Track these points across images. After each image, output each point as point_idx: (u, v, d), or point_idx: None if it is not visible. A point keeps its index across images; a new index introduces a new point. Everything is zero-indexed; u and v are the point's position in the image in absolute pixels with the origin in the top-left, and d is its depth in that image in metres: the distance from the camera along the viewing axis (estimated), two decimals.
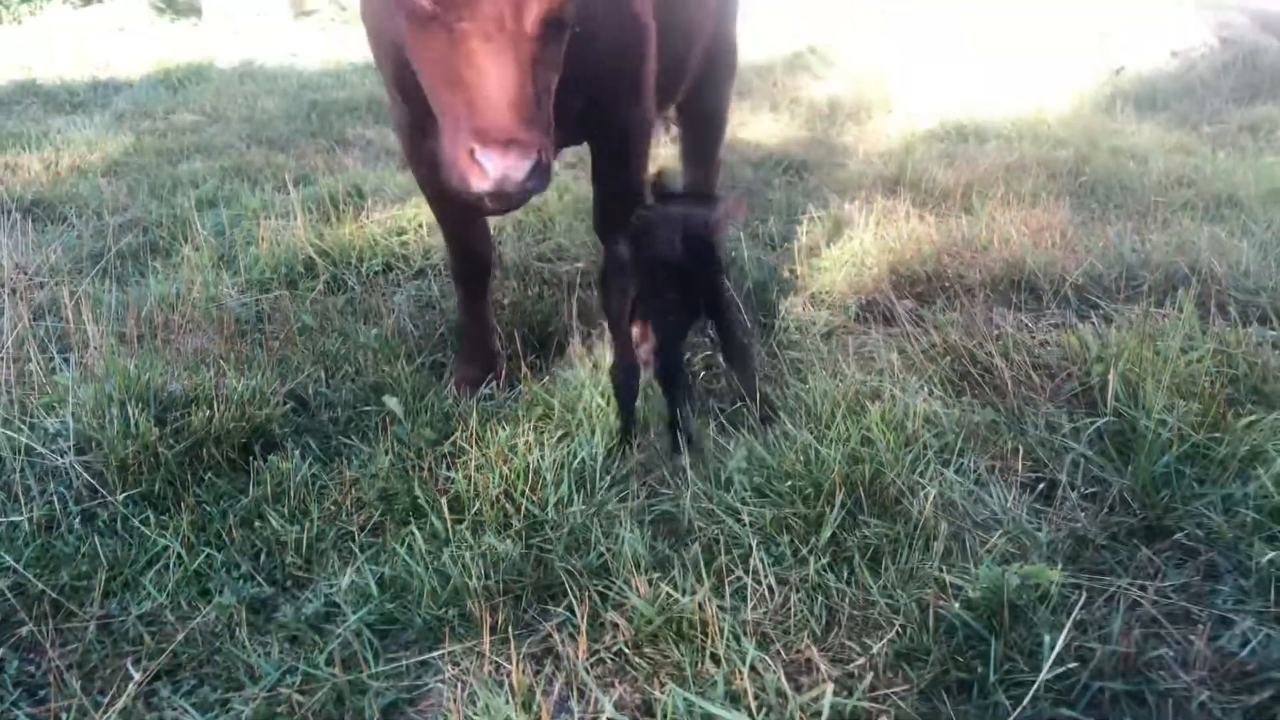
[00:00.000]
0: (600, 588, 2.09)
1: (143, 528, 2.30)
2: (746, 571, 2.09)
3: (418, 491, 2.41)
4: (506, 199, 2.06)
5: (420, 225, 4.37)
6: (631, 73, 2.78)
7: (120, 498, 2.37)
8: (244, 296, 3.69)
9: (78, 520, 2.33)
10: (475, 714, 1.76)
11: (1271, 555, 2.08)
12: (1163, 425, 2.45)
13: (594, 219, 3.09)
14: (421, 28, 2.03)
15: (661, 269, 2.54)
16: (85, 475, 2.40)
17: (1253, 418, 2.50)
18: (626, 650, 1.92)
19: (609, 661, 1.92)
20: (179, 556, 2.22)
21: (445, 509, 2.30)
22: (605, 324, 2.83)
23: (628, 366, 2.58)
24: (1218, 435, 2.44)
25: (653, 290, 2.53)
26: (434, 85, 2.11)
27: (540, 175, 1.98)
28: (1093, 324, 3.15)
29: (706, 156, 4.21)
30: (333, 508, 2.42)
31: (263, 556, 2.27)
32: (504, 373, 3.06)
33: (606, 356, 2.86)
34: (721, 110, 4.17)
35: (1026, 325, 3.25)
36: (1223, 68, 8.48)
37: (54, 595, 2.10)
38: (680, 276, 2.57)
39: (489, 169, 1.93)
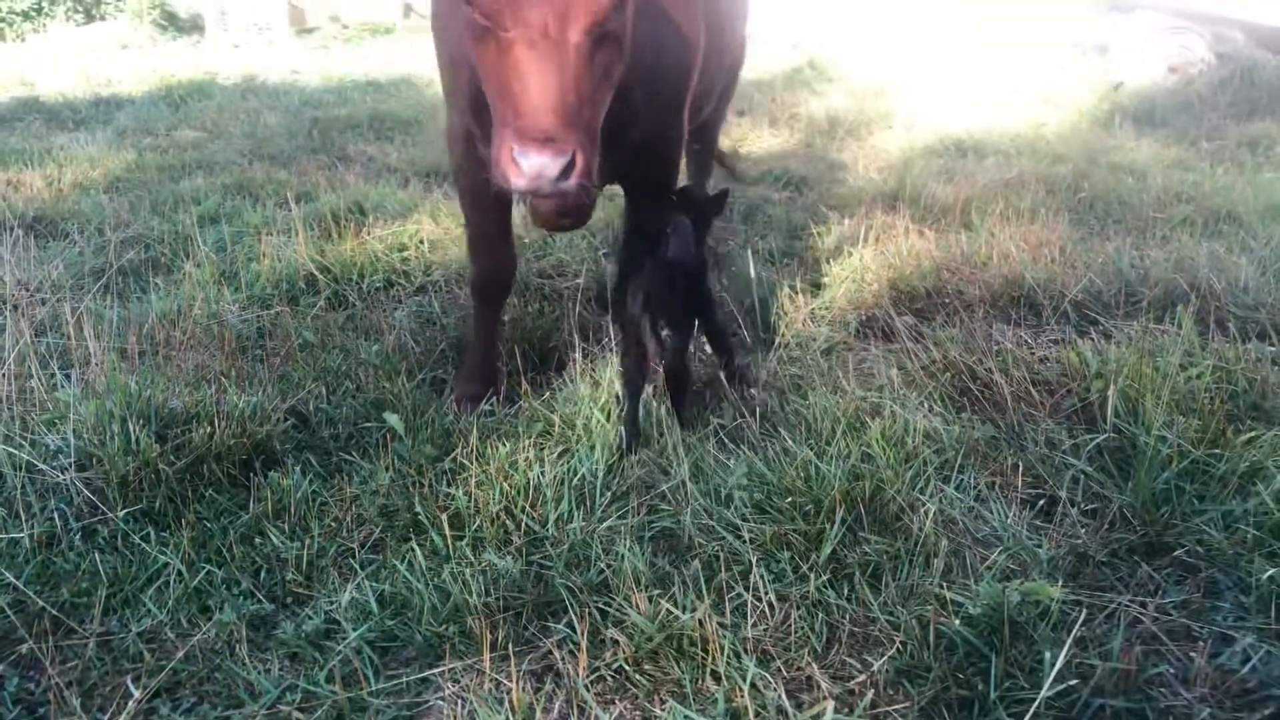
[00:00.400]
0: (600, 604, 2.09)
1: (143, 544, 2.30)
2: (747, 588, 2.09)
3: (418, 508, 2.41)
4: (557, 207, 2.22)
5: (421, 242, 4.39)
6: (678, 101, 2.85)
7: (121, 514, 2.37)
8: (245, 313, 3.69)
9: (78, 537, 2.33)
10: None
11: (1272, 572, 2.08)
12: (1162, 441, 2.45)
13: (624, 237, 3.14)
14: (479, 39, 2.12)
15: (679, 271, 2.70)
16: (86, 492, 2.40)
17: (1252, 434, 2.50)
18: (627, 667, 1.92)
19: (609, 679, 1.92)
20: (179, 573, 2.22)
21: (445, 525, 2.30)
22: (616, 324, 2.94)
23: (637, 359, 2.64)
24: (1217, 451, 2.44)
25: (667, 290, 2.66)
26: (489, 92, 2.19)
27: (574, 173, 2.02)
28: (1092, 340, 3.16)
29: (706, 163, 4.45)
30: (333, 524, 2.42)
31: (263, 573, 2.27)
32: (504, 389, 3.07)
33: (607, 372, 2.87)
34: (723, 118, 4.44)
35: (1026, 341, 3.26)
36: (1220, 84, 8.54)
37: (54, 612, 2.10)
38: (689, 278, 2.74)
39: (524, 166, 2.00)
